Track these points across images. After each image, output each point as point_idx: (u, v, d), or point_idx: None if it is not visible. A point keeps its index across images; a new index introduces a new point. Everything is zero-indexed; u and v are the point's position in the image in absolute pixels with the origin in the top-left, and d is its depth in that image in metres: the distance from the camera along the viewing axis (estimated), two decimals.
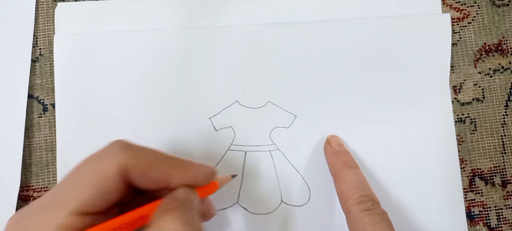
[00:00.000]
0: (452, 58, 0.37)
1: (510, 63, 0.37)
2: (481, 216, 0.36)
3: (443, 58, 0.37)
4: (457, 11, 0.38)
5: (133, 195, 0.27)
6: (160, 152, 0.27)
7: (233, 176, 0.31)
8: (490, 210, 0.36)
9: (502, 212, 0.36)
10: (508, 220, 0.36)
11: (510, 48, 0.38)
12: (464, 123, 0.37)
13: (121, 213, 0.25)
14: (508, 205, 0.36)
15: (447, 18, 0.37)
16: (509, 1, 0.38)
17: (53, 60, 0.36)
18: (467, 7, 0.38)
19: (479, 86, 0.37)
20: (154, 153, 0.26)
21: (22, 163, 0.35)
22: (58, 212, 0.23)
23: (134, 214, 0.25)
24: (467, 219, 0.35)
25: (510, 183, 0.36)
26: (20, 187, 0.35)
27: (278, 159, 0.36)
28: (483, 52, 0.38)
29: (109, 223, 0.24)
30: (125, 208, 0.26)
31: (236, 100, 0.36)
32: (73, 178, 0.24)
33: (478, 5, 0.38)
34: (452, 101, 0.37)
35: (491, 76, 0.37)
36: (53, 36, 0.37)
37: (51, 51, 0.37)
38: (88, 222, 0.24)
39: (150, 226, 0.23)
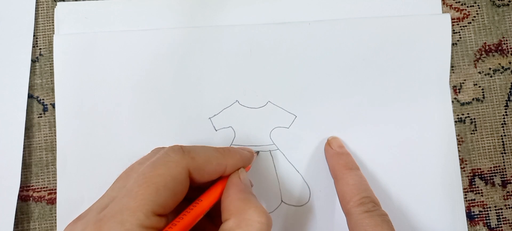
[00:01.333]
0: (452, 58, 0.37)
1: (510, 63, 0.37)
2: (481, 216, 0.36)
3: (443, 58, 0.37)
4: (457, 11, 0.38)
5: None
6: (208, 147, 0.29)
7: (257, 153, 0.35)
8: (490, 210, 0.36)
9: (502, 212, 0.36)
10: (508, 220, 0.36)
11: (510, 48, 0.38)
12: (464, 123, 0.37)
13: (179, 209, 0.27)
14: (508, 205, 0.36)
15: (447, 18, 0.37)
16: (509, 1, 0.38)
17: (53, 60, 0.36)
18: (467, 7, 0.38)
19: (479, 86, 0.37)
20: (206, 150, 0.29)
21: (22, 163, 0.35)
22: (138, 213, 0.24)
23: (209, 198, 0.28)
24: (467, 219, 0.35)
25: (510, 183, 0.36)
26: (20, 187, 0.35)
27: (278, 159, 0.36)
28: (483, 52, 0.38)
29: (193, 213, 0.27)
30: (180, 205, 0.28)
31: (236, 100, 0.36)
32: (143, 183, 0.25)
33: (478, 5, 0.38)
34: (452, 101, 0.37)
35: (491, 76, 0.37)
36: (53, 36, 0.37)
37: (51, 51, 0.37)
38: (163, 223, 0.25)
39: (239, 215, 0.26)
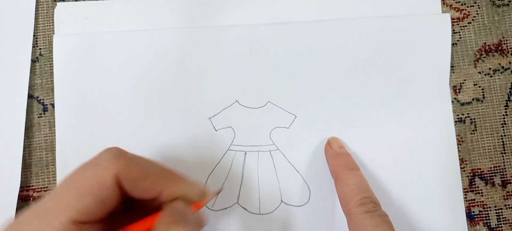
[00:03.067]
0: (452, 58, 0.37)
1: (510, 63, 0.37)
2: (481, 216, 0.36)
3: (443, 58, 0.37)
4: (457, 11, 0.38)
5: (123, 206, 0.27)
6: (154, 162, 0.27)
7: (218, 192, 0.31)
8: (490, 210, 0.36)
9: (502, 212, 0.36)
10: (508, 220, 0.36)
11: (510, 48, 0.38)
12: (464, 123, 0.37)
13: (112, 225, 0.25)
14: (508, 205, 0.36)
15: (447, 18, 0.37)
16: (509, 1, 0.38)
17: (53, 60, 0.36)
18: (467, 7, 0.38)
19: (479, 86, 0.37)
20: (147, 163, 0.26)
21: (22, 163, 0.35)
22: (54, 220, 0.23)
23: (138, 226, 0.25)
24: (467, 219, 0.35)
25: (510, 183, 0.36)
26: (20, 187, 0.35)
27: (278, 159, 0.36)
28: (483, 52, 0.38)
29: None
30: (116, 219, 0.26)
31: (236, 100, 0.36)
32: (69, 185, 0.24)
33: (478, 5, 0.38)
34: (452, 101, 0.37)
35: (491, 76, 0.37)
36: (53, 36, 0.37)
37: (51, 51, 0.37)
38: (85, 230, 0.24)
39: None
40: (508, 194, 0.36)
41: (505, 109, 0.37)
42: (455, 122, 0.37)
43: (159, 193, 0.26)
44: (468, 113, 0.37)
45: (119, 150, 0.26)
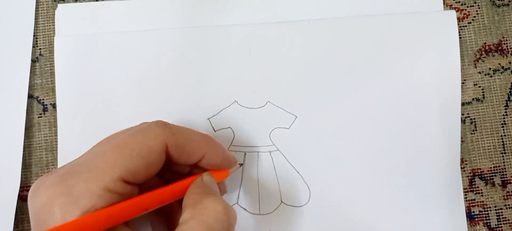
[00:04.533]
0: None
1: (510, 63, 0.37)
2: (481, 216, 0.36)
3: (451, 55, 0.36)
4: (457, 11, 0.38)
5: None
6: (194, 130, 0.29)
7: (240, 165, 0.34)
8: (490, 210, 0.36)
9: (502, 212, 0.36)
10: (508, 220, 0.36)
11: (510, 48, 0.38)
12: (464, 123, 0.37)
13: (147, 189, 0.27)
14: (508, 205, 0.36)
15: (452, 15, 0.37)
16: (509, 1, 0.38)
17: (53, 60, 0.36)
18: (467, 7, 0.38)
19: (479, 86, 0.37)
20: (189, 131, 0.29)
21: (22, 163, 0.35)
22: (104, 175, 0.24)
23: (173, 187, 0.28)
24: (467, 219, 0.35)
25: (510, 183, 0.36)
26: (20, 187, 0.35)
27: (278, 160, 0.36)
28: (483, 52, 0.38)
29: (152, 193, 0.27)
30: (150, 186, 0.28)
31: (235, 101, 0.36)
32: (121, 147, 0.26)
33: (478, 5, 0.38)
34: None
35: (491, 76, 0.37)
36: (53, 36, 0.37)
37: (51, 51, 0.37)
38: (129, 191, 0.25)
39: (195, 206, 0.25)
40: (508, 194, 0.36)
41: (505, 109, 0.37)
42: None
43: (202, 157, 0.29)
44: (468, 114, 0.37)
45: (164, 122, 0.28)
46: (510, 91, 0.37)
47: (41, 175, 0.36)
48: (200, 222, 0.25)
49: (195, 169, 0.30)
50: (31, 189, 0.26)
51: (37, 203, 0.25)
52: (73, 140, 0.35)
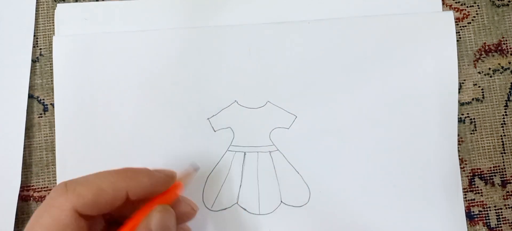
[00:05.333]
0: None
1: (509, 63, 0.37)
2: (481, 216, 0.36)
3: (448, 56, 0.36)
4: (457, 11, 0.38)
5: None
6: (105, 174, 0.27)
7: (196, 169, 0.31)
8: (490, 210, 0.36)
9: (501, 212, 0.36)
10: (508, 220, 0.36)
11: (510, 48, 0.38)
12: (464, 123, 0.37)
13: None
14: (508, 205, 0.36)
15: (450, 16, 0.37)
16: (509, 1, 0.38)
17: (53, 61, 0.36)
18: (467, 7, 0.38)
19: (479, 86, 0.37)
20: (98, 179, 0.26)
21: (22, 163, 0.35)
22: None
23: None
24: (467, 219, 0.35)
25: (509, 183, 0.36)
26: (20, 187, 0.35)
27: (277, 160, 0.36)
28: (482, 52, 0.38)
29: None
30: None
31: (235, 101, 0.36)
32: None
33: (477, 5, 0.38)
34: None
35: (490, 76, 0.37)
36: (53, 36, 0.37)
37: (51, 51, 0.37)
38: None
39: None
40: (507, 194, 0.36)
41: (505, 109, 0.37)
42: None
43: (125, 196, 0.26)
44: (467, 114, 0.37)
45: (65, 184, 0.26)
46: (509, 91, 0.37)
47: (42, 174, 0.36)
48: None
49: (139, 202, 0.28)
50: None
51: None
52: (71, 140, 0.35)
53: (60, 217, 0.24)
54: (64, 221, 0.24)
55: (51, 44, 0.37)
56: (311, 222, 0.35)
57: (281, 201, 0.35)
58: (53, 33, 0.37)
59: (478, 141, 0.37)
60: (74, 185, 0.25)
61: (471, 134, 0.37)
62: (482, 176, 0.36)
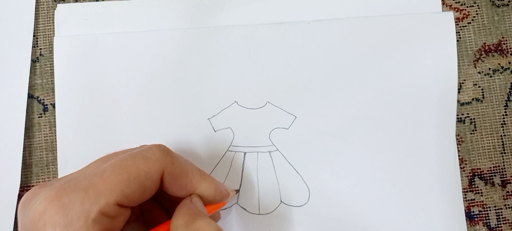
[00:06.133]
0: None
1: (509, 63, 0.37)
2: (481, 216, 0.36)
3: (448, 57, 0.36)
4: (457, 11, 0.38)
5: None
6: (192, 165, 0.29)
7: (237, 191, 0.35)
8: (490, 210, 0.36)
9: (501, 212, 0.36)
10: (508, 220, 0.36)
11: (510, 48, 0.38)
12: (464, 123, 0.37)
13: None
14: (508, 205, 0.36)
15: (450, 16, 0.37)
16: (509, 1, 0.38)
17: (53, 61, 0.36)
18: (467, 7, 0.38)
19: (479, 86, 0.37)
20: (187, 164, 0.28)
21: (22, 163, 0.36)
22: (101, 198, 0.24)
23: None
24: (466, 219, 0.35)
25: (509, 183, 0.36)
26: (20, 187, 0.35)
27: (277, 160, 0.36)
28: (482, 52, 0.38)
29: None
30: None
31: (235, 101, 0.36)
32: (120, 169, 0.25)
33: (477, 5, 0.38)
34: None
35: (490, 77, 0.37)
36: (53, 36, 0.37)
37: (51, 52, 0.37)
38: (122, 213, 0.25)
39: (187, 227, 0.25)
40: (507, 194, 0.36)
41: (505, 109, 0.37)
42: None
43: (192, 191, 0.28)
44: (467, 114, 0.37)
45: (166, 148, 0.28)
46: (509, 92, 0.37)
47: (42, 174, 0.36)
48: None
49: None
50: (24, 198, 0.25)
51: (29, 215, 0.24)
52: (72, 140, 0.35)
53: (152, 168, 0.26)
54: (152, 174, 0.26)
55: (51, 44, 0.37)
56: (310, 222, 0.35)
57: (281, 201, 0.35)
58: (53, 33, 0.37)
59: (478, 141, 0.37)
60: (172, 154, 0.28)
61: (471, 134, 0.37)
62: (482, 176, 0.36)
